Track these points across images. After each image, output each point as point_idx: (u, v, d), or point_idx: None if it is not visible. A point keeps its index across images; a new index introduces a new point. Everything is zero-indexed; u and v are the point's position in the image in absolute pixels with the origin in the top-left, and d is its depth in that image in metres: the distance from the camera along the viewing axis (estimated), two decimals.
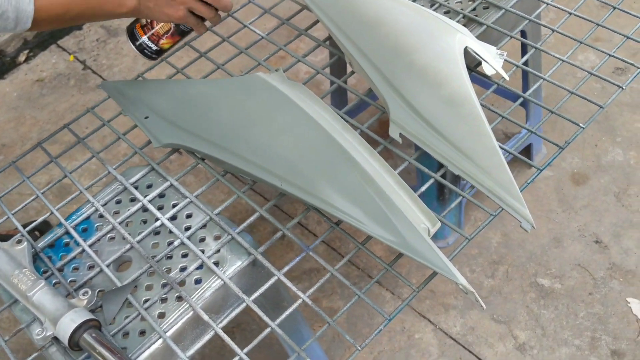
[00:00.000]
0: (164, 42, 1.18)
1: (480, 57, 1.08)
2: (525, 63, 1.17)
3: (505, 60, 1.09)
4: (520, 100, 1.08)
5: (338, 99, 1.78)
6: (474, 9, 1.23)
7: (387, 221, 0.87)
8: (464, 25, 1.19)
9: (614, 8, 1.18)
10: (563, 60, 1.11)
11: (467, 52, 1.08)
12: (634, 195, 1.51)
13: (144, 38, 1.17)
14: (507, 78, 1.08)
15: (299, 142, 0.99)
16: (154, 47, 1.18)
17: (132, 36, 1.18)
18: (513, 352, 1.34)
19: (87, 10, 1.00)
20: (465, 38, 1.09)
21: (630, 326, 1.35)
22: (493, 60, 1.08)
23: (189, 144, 1.06)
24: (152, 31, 1.17)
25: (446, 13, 1.25)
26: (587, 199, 1.53)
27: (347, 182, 0.92)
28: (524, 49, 1.44)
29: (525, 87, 1.60)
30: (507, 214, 0.89)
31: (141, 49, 1.19)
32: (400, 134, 1.02)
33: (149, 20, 1.16)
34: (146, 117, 1.13)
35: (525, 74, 1.61)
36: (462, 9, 1.23)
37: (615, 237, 1.45)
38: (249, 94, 1.09)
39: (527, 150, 1.67)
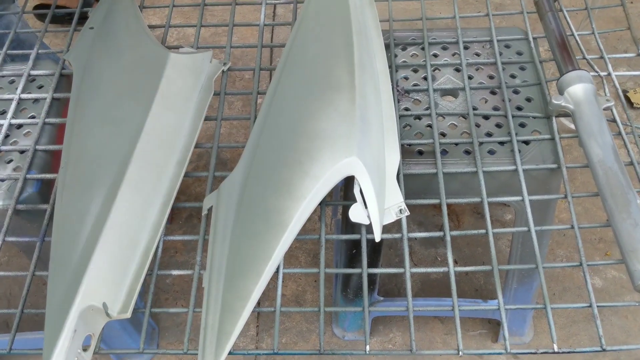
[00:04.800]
0: None
1: (362, 197, 0.85)
2: None
3: None
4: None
5: None
6: None
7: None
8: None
9: None
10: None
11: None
12: None
13: None
14: (378, 239, 0.85)
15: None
16: None
17: None
18: None
19: None
20: (359, 168, 0.84)
21: None
22: (375, 211, 0.84)
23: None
24: None
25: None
26: None
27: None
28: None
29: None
30: None
31: None
32: (211, 207, 0.87)
33: None
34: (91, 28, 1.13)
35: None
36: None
37: None
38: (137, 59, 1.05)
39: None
